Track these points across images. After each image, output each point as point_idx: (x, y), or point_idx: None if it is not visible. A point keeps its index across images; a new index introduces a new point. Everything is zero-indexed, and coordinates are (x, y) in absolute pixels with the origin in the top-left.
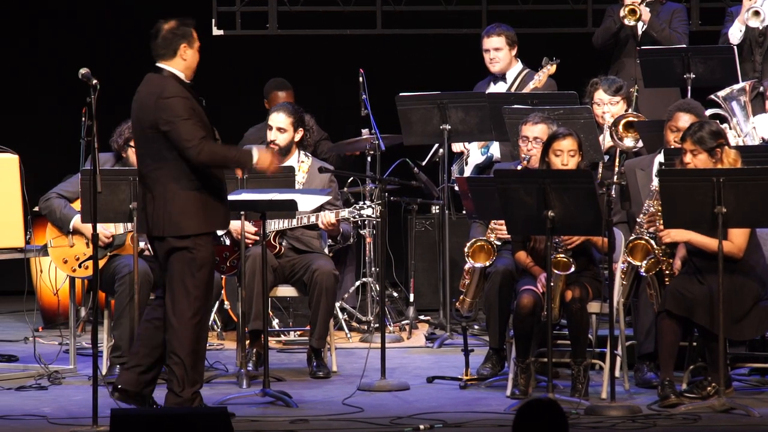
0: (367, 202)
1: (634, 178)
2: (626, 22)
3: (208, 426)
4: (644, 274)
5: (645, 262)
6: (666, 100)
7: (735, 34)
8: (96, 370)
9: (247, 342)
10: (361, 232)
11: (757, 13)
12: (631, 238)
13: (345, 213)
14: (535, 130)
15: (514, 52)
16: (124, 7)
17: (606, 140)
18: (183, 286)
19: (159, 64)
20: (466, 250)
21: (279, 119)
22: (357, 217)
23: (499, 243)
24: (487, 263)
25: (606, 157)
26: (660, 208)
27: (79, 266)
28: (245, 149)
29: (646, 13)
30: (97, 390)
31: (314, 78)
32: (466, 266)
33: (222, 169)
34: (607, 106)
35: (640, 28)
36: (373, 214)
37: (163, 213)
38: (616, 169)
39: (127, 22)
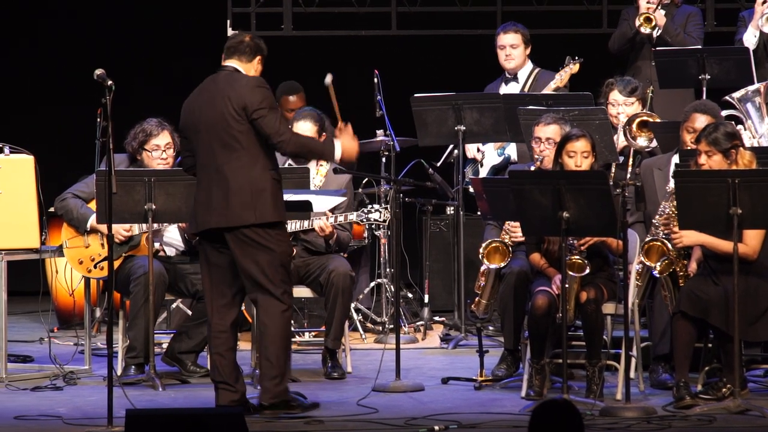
0: (376, 206)
1: (651, 177)
2: (642, 30)
3: (222, 426)
4: (658, 275)
5: (659, 263)
6: (681, 101)
7: (750, 39)
8: (111, 371)
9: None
10: (376, 233)
11: None
12: (647, 239)
13: (353, 216)
14: (548, 131)
15: (527, 51)
16: (139, 7)
17: (620, 140)
18: (277, 279)
19: (233, 63)
20: (480, 251)
21: (305, 128)
22: (365, 221)
23: (512, 244)
24: (502, 264)
25: (621, 158)
26: (675, 210)
27: (95, 267)
28: (327, 142)
29: (661, 18)
30: (112, 390)
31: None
32: (482, 268)
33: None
34: (622, 106)
35: (656, 32)
36: (380, 218)
37: (258, 201)
38: (630, 169)
39: (143, 22)
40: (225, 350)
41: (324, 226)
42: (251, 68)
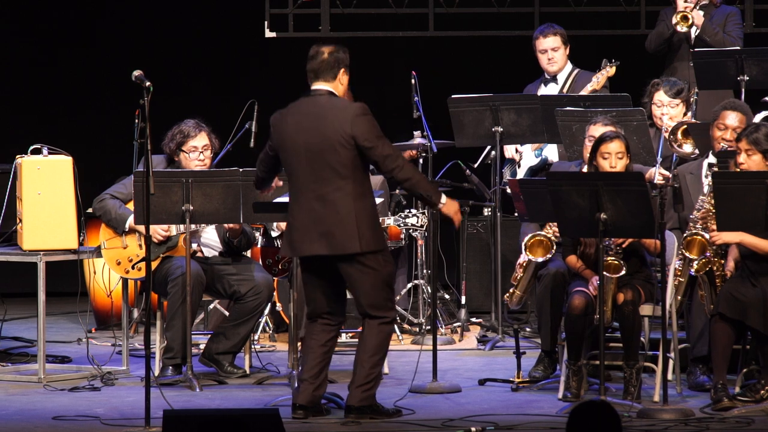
0: (413, 210)
1: (685, 182)
2: (679, 28)
3: (259, 427)
4: (694, 273)
5: (696, 262)
6: (719, 103)
7: None
8: (148, 371)
9: (299, 345)
10: (413, 234)
11: None
12: (687, 233)
13: (390, 221)
14: (602, 131)
15: (567, 51)
16: (177, 9)
17: (661, 145)
18: (382, 297)
19: (323, 86)
20: (524, 242)
21: None
22: (402, 225)
23: (556, 240)
24: (545, 258)
25: (660, 160)
26: (712, 206)
27: (132, 268)
28: (434, 185)
29: (699, 17)
30: (150, 391)
31: (366, 80)
32: (520, 260)
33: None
34: (667, 107)
35: (693, 32)
36: (418, 222)
37: (363, 229)
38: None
39: (181, 24)
40: (320, 350)
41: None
42: (338, 84)
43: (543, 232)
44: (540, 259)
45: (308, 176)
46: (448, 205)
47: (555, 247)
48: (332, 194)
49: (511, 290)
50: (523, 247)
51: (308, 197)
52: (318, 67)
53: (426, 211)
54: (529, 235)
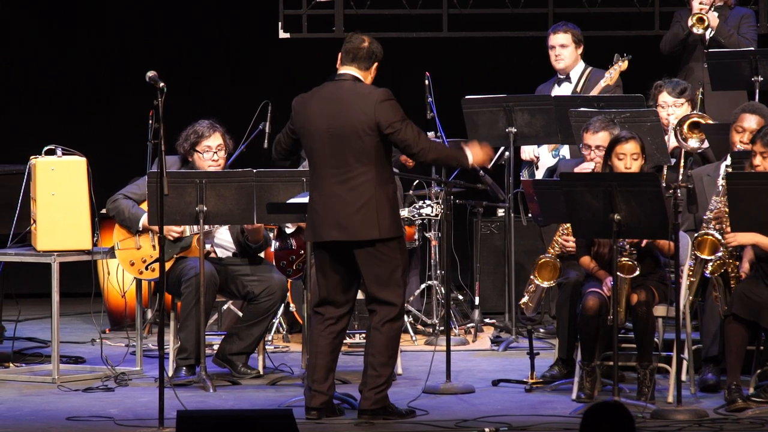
0: (427, 201)
1: (701, 185)
2: (694, 30)
3: (273, 427)
4: (709, 275)
5: (711, 263)
6: (733, 104)
7: None
8: (162, 372)
9: None
10: (426, 234)
11: None
12: (699, 233)
13: (405, 212)
14: (597, 139)
15: (579, 51)
16: (191, 10)
17: (671, 142)
18: (394, 288)
19: (351, 71)
20: (532, 265)
21: None
22: (416, 216)
23: (566, 256)
24: (551, 283)
25: (672, 160)
26: (726, 206)
27: (146, 268)
28: (460, 148)
29: (714, 19)
30: (164, 391)
31: (380, 80)
32: (532, 276)
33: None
34: (672, 108)
35: (708, 33)
36: (432, 212)
37: (383, 216)
38: (681, 170)
39: (195, 24)
40: (327, 350)
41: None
42: (368, 75)
43: (549, 255)
44: (545, 284)
45: (330, 161)
46: (477, 157)
47: (562, 270)
48: (353, 180)
49: (524, 301)
50: (532, 268)
51: (330, 182)
52: (357, 52)
53: (439, 200)
54: (539, 258)
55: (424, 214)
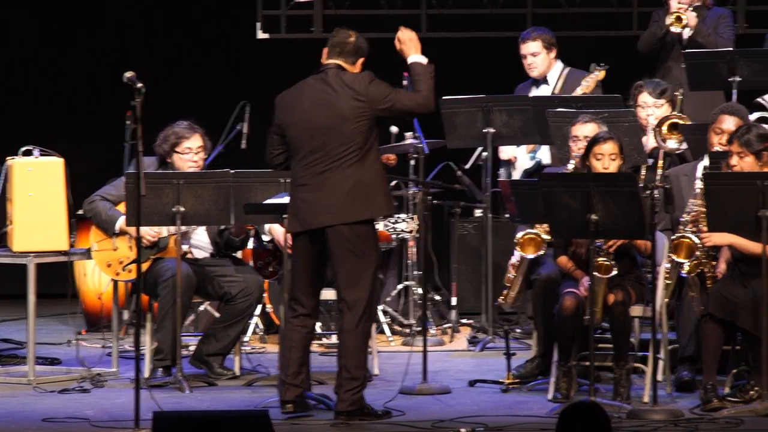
0: (402, 216)
1: (679, 184)
2: (672, 29)
3: (249, 428)
4: (685, 275)
5: (688, 263)
6: (711, 104)
7: None
8: (138, 373)
9: None
10: (405, 235)
11: None
12: (675, 236)
13: (380, 226)
14: (586, 129)
15: (552, 54)
16: (169, 11)
17: (650, 142)
18: (361, 287)
19: (338, 62)
20: (516, 239)
21: None
22: (392, 231)
23: (547, 237)
24: (537, 254)
25: (650, 161)
26: (703, 208)
27: (123, 269)
28: (429, 67)
29: (692, 19)
30: (140, 393)
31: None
32: (513, 260)
33: None
34: (652, 108)
35: (686, 33)
36: (407, 228)
37: (365, 199)
38: (659, 171)
39: (173, 25)
40: (300, 344)
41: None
42: (354, 69)
43: (534, 230)
44: (531, 256)
45: (318, 152)
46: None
47: (545, 245)
48: (341, 166)
49: (505, 292)
50: (515, 244)
51: (317, 171)
52: (344, 46)
53: (415, 215)
54: (521, 233)
55: (399, 230)
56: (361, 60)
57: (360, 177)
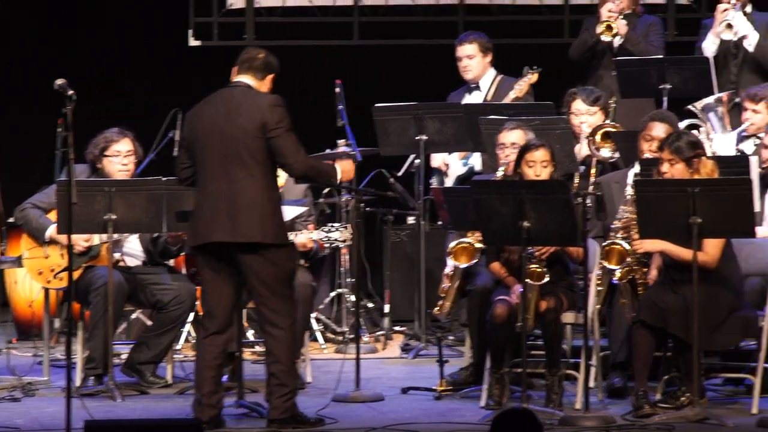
0: (336, 225)
1: (610, 191)
2: (603, 37)
3: None
4: (617, 281)
5: (619, 269)
6: (641, 111)
7: (709, 47)
8: (69, 382)
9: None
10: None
11: (729, 26)
12: (606, 242)
13: (314, 235)
14: (512, 136)
15: (487, 59)
16: (101, 17)
17: (583, 150)
18: (282, 295)
19: (246, 79)
20: (449, 249)
21: None
22: (325, 240)
23: (480, 246)
24: (470, 263)
25: (582, 168)
26: (634, 215)
27: (54, 277)
28: (329, 164)
29: (622, 27)
30: (71, 402)
31: (291, 89)
32: (446, 269)
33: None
34: (585, 116)
35: (617, 41)
36: (341, 237)
37: (266, 220)
38: (592, 179)
39: (105, 31)
40: (214, 363)
41: (307, 242)
42: (263, 86)
43: (466, 239)
44: (464, 265)
45: (219, 165)
46: (344, 174)
47: (479, 253)
48: (241, 182)
49: (440, 303)
50: (447, 254)
51: (217, 185)
52: (252, 62)
53: (349, 224)
54: (453, 243)
55: (333, 239)
56: (270, 76)
57: (257, 198)
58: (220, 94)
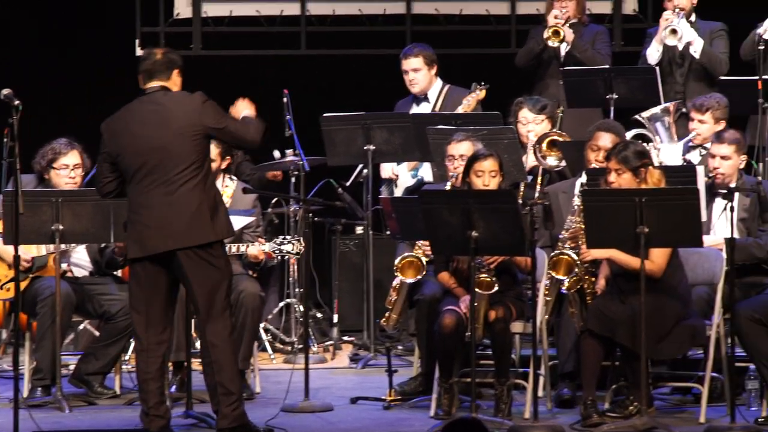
0: (288, 237)
1: (557, 201)
2: (550, 43)
3: None
4: (566, 291)
5: (567, 279)
6: (588, 121)
7: (653, 54)
8: (17, 393)
9: (171, 366)
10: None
11: (674, 32)
12: (554, 252)
13: (266, 247)
14: (461, 148)
15: (433, 71)
16: (48, 26)
17: (530, 159)
18: (221, 301)
19: (156, 84)
20: (395, 264)
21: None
22: (277, 252)
23: (426, 260)
24: (417, 278)
25: (529, 177)
26: (582, 225)
27: (1, 288)
28: (259, 119)
29: (569, 34)
30: (18, 413)
31: (238, 98)
32: (394, 282)
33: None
34: (532, 125)
35: (564, 49)
36: (293, 250)
37: (205, 221)
38: (538, 188)
39: (51, 41)
40: (158, 375)
41: (258, 254)
42: (174, 84)
43: (413, 253)
44: (411, 280)
45: (155, 173)
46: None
47: (426, 267)
48: (183, 187)
49: (387, 314)
50: (394, 270)
51: (158, 194)
52: (152, 67)
53: (302, 237)
54: (399, 257)
55: (285, 251)
56: (175, 71)
57: (202, 199)
58: (139, 104)
